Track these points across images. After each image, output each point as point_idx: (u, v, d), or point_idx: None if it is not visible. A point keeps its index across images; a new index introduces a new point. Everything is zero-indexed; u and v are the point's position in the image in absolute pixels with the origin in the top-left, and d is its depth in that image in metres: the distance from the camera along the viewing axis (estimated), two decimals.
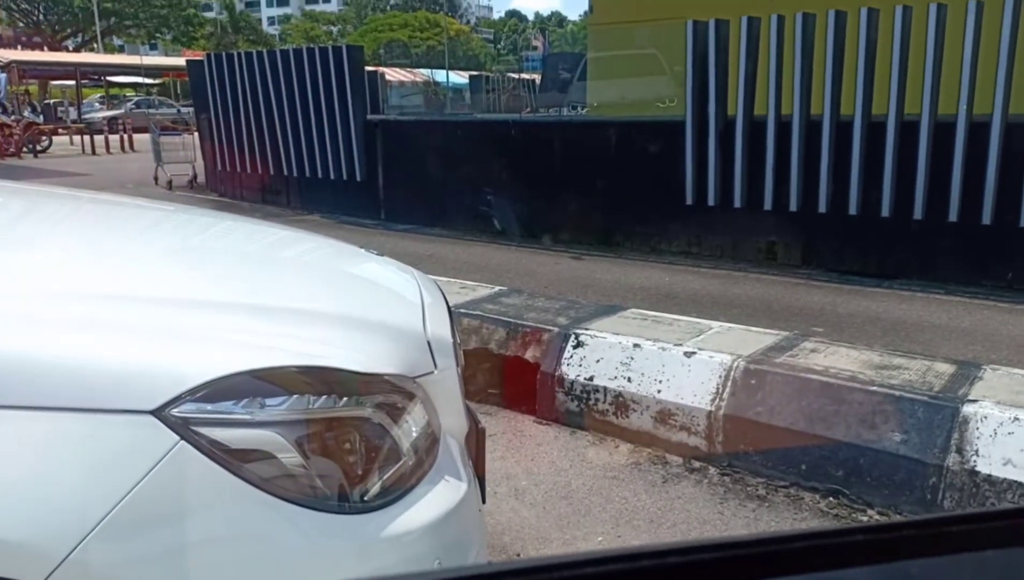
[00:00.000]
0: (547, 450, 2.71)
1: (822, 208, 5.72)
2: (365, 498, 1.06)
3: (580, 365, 2.85)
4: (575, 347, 2.89)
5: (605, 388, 2.77)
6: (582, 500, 2.36)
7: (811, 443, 2.51)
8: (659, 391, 2.66)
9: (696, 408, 2.58)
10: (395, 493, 1.11)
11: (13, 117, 17.92)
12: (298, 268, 1.59)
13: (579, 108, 12.21)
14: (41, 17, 46.11)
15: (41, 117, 19.53)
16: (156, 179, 11.14)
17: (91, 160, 16.05)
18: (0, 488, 0.84)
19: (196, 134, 11.01)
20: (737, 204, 6.14)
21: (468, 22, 78.30)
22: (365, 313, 1.34)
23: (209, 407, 0.95)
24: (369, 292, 1.54)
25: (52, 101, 28.41)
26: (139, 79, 31.47)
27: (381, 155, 8.65)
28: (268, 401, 1.01)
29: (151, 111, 22.31)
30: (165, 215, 1.94)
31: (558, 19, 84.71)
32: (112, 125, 19.29)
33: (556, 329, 2.99)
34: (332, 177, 8.88)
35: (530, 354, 2.99)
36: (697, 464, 2.57)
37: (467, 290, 3.66)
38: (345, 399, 1.08)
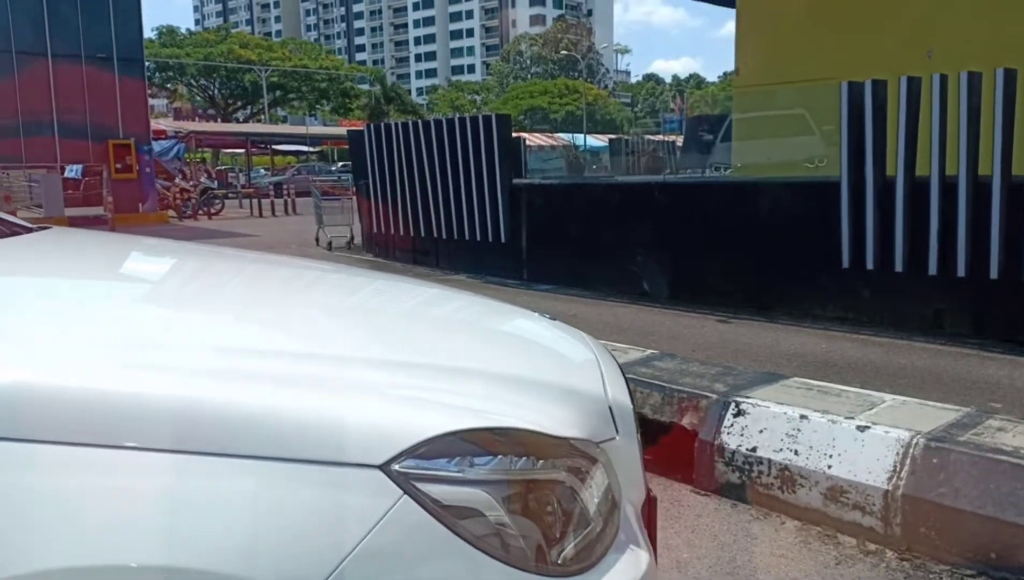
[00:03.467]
0: (708, 522, 2.63)
1: (993, 274, 5.34)
2: (561, 562, 1.08)
3: (742, 435, 2.77)
4: (735, 415, 2.82)
5: (769, 460, 2.68)
6: (749, 578, 2.27)
7: (1001, 529, 2.32)
8: (829, 467, 2.54)
9: (871, 486, 2.44)
10: (589, 559, 1.12)
11: (191, 183, 19.75)
12: (480, 332, 1.66)
13: (722, 169, 12.09)
14: (216, 92, 50.96)
15: (215, 182, 21.42)
16: (317, 240, 11.90)
17: (259, 222, 17.38)
18: (242, 534, 0.93)
19: (354, 198, 11.70)
20: (898, 268, 5.84)
21: (606, 87, 79.64)
22: (549, 377, 1.38)
23: (426, 464, 1.01)
24: (550, 356, 1.59)
25: (223, 167, 31.16)
26: (301, 147, 34.04)
27: (525, 217, 8.88)
28: (476, 460, 1.06)
29: (311, 177, 23.94)
30: (346, 278, 2.08)
31: (696, 81, 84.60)
32: (277, 189, 20.86)
33: (715, 396, 2.93)
34: (478, 238, 9.18)
35: (687, 421, 2.94)
36: (872, 546, 2.42)
37: (618, 353, 3.66)
38: (542, 462, 1.12)
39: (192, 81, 50.60)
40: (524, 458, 1.09)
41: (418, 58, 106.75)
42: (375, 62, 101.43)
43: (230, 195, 21.57)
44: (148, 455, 0.92)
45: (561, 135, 40.08)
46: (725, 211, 7.16)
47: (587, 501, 1.14)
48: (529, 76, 73.37)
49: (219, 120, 41.62)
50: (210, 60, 47.59)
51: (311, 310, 1.61)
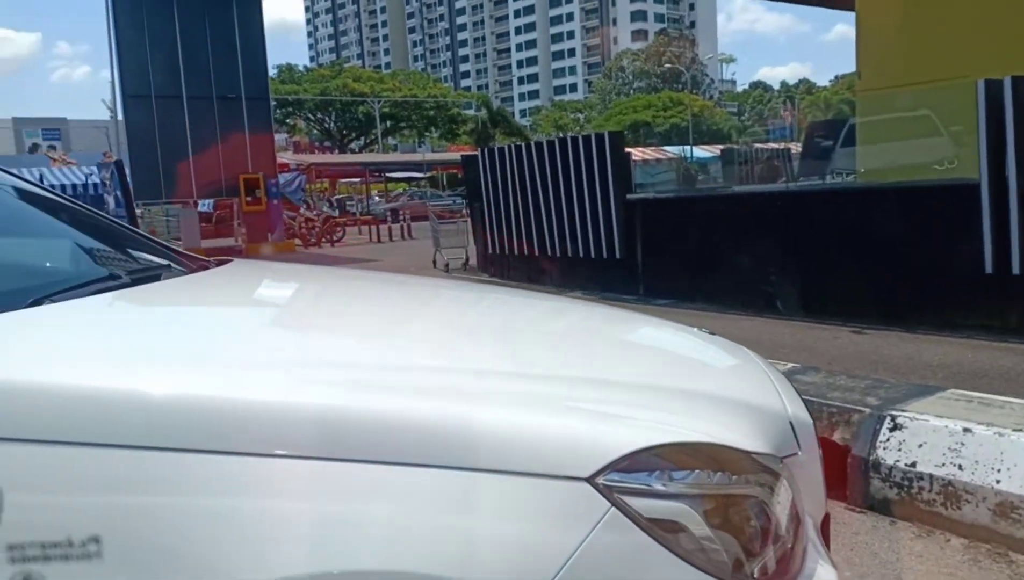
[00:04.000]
0: (866, 540, 2.55)
1: None
2: (759, 576, 1.10)
3: (899, 450, 2.67)
4: (891, 430, 2.73)
5: (931, 476, 2.57)
6: None
7: None
8: (998, 482, 2.42)
9: None
10: (787, 573, 1.13)
11: (315, 212, 20.72)
12: (650, 348, 1.70)
13: (844, 175, 11.66)
14: (331, 125, 53.30)
15: (336, 211, 22.36)
16: (435, 262, 12.25)
17: (378, 247, 18.04)
18: (461, 542, 0.98)
19: (468, 221, 11.98)
20: None
21: (711, 97, 78.19)
22: (729, 392, 1.39)
23: (629, 478, 1.04)
24: (724, 371, 1.60)
25: (341, 196, 32.46)
26: (413, 173, 35.11)
27: (640, 232, 8.84)
28: (675, 474, 1.09)
29: (425, 201, 24.64)
30: (499, 297, 2.15)
31: (807, 86, 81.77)
32: (394, 215, 21.59)
33: (867, 410, 2.84)
34: (592, 256, 9.20)
35: (838, 436, 2.86)
36: None
37: None
38: (735, 477, 1.14)
39: (310, 115, 53.16)
40: (719, 472, 1.12)
41: (521, 80, 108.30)
42: (479, 87, 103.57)
43: (349, 223, 22.45)
44: (374, 468, 0.99)
45: (667, 148, 39.57)
46: (851, 218, 6.91)
47: (778, 515, 1.15)
48: (632, 91, 72.95)
49: (336, 151, 43.50)
50: (326, 95, 49.90)
51: (485, 330, 1.69)
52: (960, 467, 2.52)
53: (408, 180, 36.91)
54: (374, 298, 1.87)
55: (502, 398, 1.15)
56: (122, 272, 1.61)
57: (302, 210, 20.79)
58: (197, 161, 16.88)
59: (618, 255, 8.90)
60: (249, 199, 16.99)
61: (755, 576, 1.09)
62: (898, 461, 2.66)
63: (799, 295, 7.16)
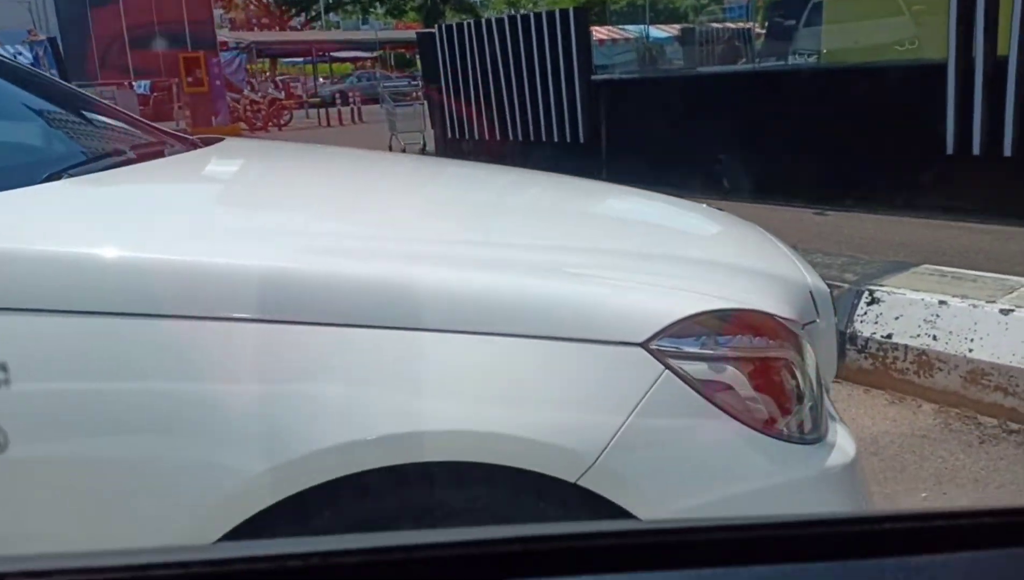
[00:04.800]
0: (843, 406, 2.69)
1: None
2: (800, 431, 1.16)
3: (876, 322, 2.79)
4: (869, 304, 2.83)
5: (906, 346, 2.70)
6: (894, 457, 2.34)
7: None
8: (970, 350, 2.55)
9: (1015, 368, 2.45)
10: (820, 429, 1.20)
11: (259, 95, 19.89)
12: (677, 224, 1.71)
13: (806, 56, 11.55)
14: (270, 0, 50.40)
15: (282, 93, 21.51)
16: (390, 147, 11.96)
17: (328, 132, 17.50)
18: (534, 403, 1.02)
19: (425, 103, 11.65)
20: (1007, 152, 5.61)
21: None
22: (756, 263, 1.43)
23: (679, 342, 1.08)
24: (746, 243, 1.63)
25: (284, 77, 31.14)
26: (359, 53, 33.70)
27: (604, 116, 8.73)
28: (720, 339, 1.13)
29: (375, 82, 23.79)
30: (487, 174, 2.11)
31: None
32: (343, 98, 20.86)
33: (846, 285, 2.94)
34: (556, 140, 9.09)
35: None
36: (1015, 426, 2.45)
37: None
38: (771, 341, 1.18)
39: None
40: (758, 337, 1.16)
41: None
42: None
43: (294, 106, 21.66)
44: (458, 337, 1.02)
45: (626, 28, 38.52)
46: (816, 99, 6.92)
47: (807, 377, 1.21)
48: None
49: (276, 29, 41.39)
50: None
51: (495, 206, 1.68)
52: (934, 338, 2.64)
53: (354, 60, 35.49)
54: (382, 175, 1.83)
55: (545, 269, 1.16)
56: (127, 149, 1.54)
57: (246, 92, 19.94)
58: (132, 39, 15.93)
59: (581, 139, 8.81)
60: (190, 80, 16.18)
61: (790, 431, 1.15)
62: (874, 333, 2.78)
63: (763, 177, 7.22)
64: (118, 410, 0.94)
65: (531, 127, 9.32)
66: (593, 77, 8.71)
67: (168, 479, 0.96)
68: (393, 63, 36.78)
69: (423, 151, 11.70)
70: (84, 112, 1.72)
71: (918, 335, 2.68)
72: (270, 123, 18.40)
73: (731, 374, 1.11)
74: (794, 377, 1.20)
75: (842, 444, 1.22)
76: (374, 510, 1.02)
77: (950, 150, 5.86)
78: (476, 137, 10.26)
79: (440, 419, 0.99)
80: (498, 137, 9.87)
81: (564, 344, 1.03)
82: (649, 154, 8.32)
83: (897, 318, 2.75)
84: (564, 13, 8.72)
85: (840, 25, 9.64)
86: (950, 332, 2.61)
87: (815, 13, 11.81)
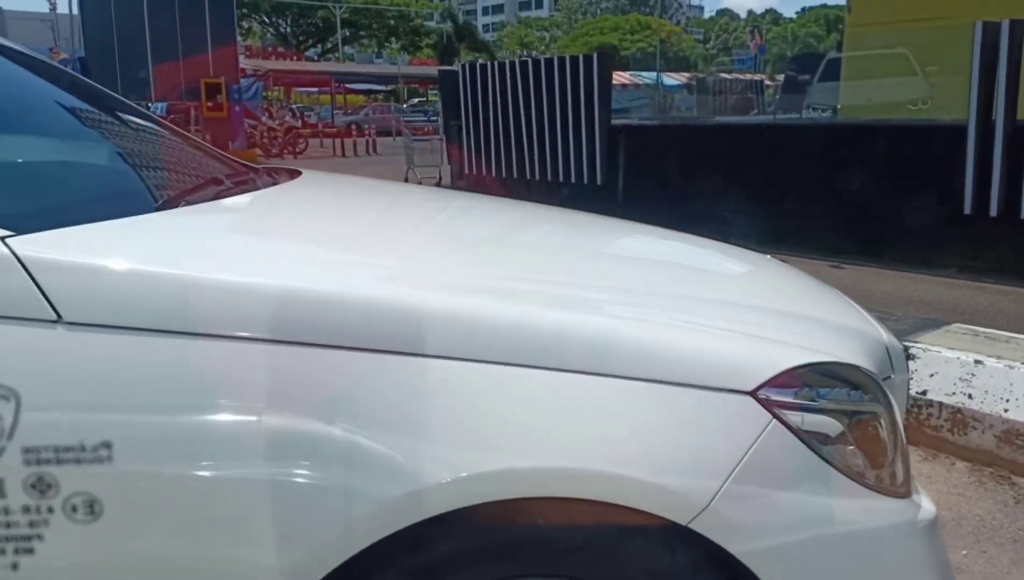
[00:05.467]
0: None
1: None
2: (892, 484, 1.20)
3: (911, 379, 2.83)
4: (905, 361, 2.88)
5: (941, 403, 2.74)
6: None
7: None
8: (1006, 410, 2.59)
9: None
10: (910, 483, 1.24)
11: (277, 122, 20.13)
12: (752, 274, 1.76)
13: (820, 110, 11.77)
14: (287, 30, 51.16)
15: (299, 121, 21.75)
16: (406, 180, 12.09)
17: (344, 162, 17.67)
18: (649, 446, 1.06)
19: (443, 139, 11.80)
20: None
21: (678, 23, 77.15)
22: (835, 317, 1.47)
23: (783, 393, 1.12)
24: (825, 296, 1.67)
25: (299, 106, 31.51)
26: (372, 85, 34.17)
27: (622, 159, 8.86)
28: (820, 391, 1.17)
29: (395, 116, 24.08)
30: (574, 219, 2.16)
31: (773, 17, 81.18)
32: (358, 129, 21.08)
33: None
34: (573, 181, 9.20)
35: None
36: None
37: None
38: (865, 394, 1.22)
39: (265, 18, 50.90)
40: (853, 390, 1.20)
41: None
42: None
43: (310, 134, 21.87)
44: (582, 377, 1.06)
45: (635, 74, 39.11)
46: (836, 152, 7.04)
47: (898, 431, 1.25)
48: (599, 12, 71.51)
49: (294, 59, 41.99)
50: None
51: (617, 254, 1.77)
52: (970, 396, 2.69)
53: (367, 92, 35.96)
54: (474, 215, 1.90)
55: (655, 315, 1.21)
56: (223, 178, 1.61)
57: (264, 119, 20.17)
58: (156, 62, 16.14)
59: (599, 181, 8.92)
60: (210, 104, 16.36)
61: (884, 484, 1.19)
62: (909, 390, 2.82)
63: (779, 228, 7.31)
64: (270, 436, 0.98)
65: (549, 167, 9.44)
66: (613, 122, 8.85)
67: (304, 504, 1.00)
68: (406, 97, 37.27)
69: (439, 185, 11.82)
70: (166, 139, 1.78)
71: (953, 393, 2.72)
72: (285, 150, 18.58)
73: (831, 426, 1.14)
74: (885, 431, 1.23)
75: (924, 500, 1.26)
76: (491, 541, 1.06)
77: (968, 210, 5.95)
78: (494, 174, 10.38)
79: (560, 456, 1.03)
80: (515, 175, 9.99)
81: (677, 389, 1.07)
82: (666, 199, 8.42)
83: (932, 375, 2.79)
84: (588, 59, 8.89)
85: (858, 82, 9.82)
86: (986, 391, 2.66)
87: (830, 69, 12.05)
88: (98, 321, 0.99)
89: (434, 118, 17.02)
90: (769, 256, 1.95)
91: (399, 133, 19.88)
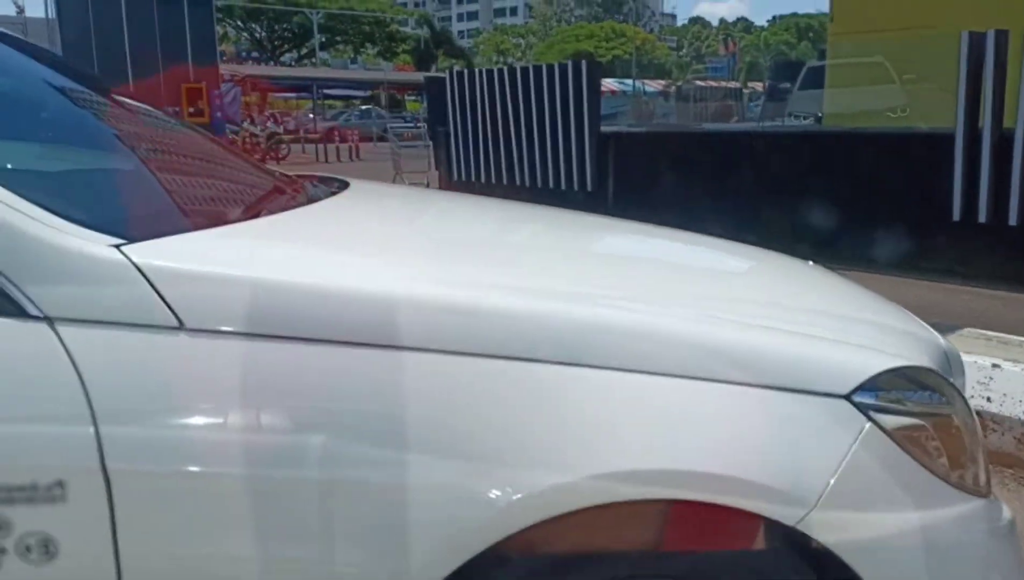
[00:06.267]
0: None
1: None
2: (975, 485, 1.23)
3: None
4: None
5: None
6: None
7: None
8: None
9: None
10: (991, 483, 1.28)
11: (259, 128, 19.98)
12: (814, 283, 1.80)
13: (801, 117, 11.95)
14: (263, 35, 50.84)
15: (281, 128, 21.61)
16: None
17: (328, 168, 17.56)
18: (757, 449, 1.09)
19: (431, 145, 11.81)
20: (1012, 221, 5.84)
21: (652, 30, 77.85)
22: (900, 323, 1.52)
23: (873, 396, 1.16)
24: (884, 304, 1.71)
25: (277, 112, 31.27)
26: (350, 91, 34.06)
27: (612, 166, 8.93)
28: (906, 394, 1.21)
29: (367, 121, 24.03)
30: (641, 229, 2.19)
31: (744, 25, 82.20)
32: (341, 135, 20.99)
33: None
34: (563, 187, 9.25)
35: None
36: None
37: None
38: (942, 396, 1.26)
39: (239, 23, 50.54)
40: (935, 393, 1.24)
41: (459, 0, 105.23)
42: (417, 4, 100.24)
43: (292, 140, 21.75)
44: (692, 382, 1.09)
45: (609, 81, 39.32)
46: (823, 159, 7.16)
47: (976, 432, 1.29)
48: (573, 19, 71.95)
49: (271, 64, 41.74)
50: (259, 1, 47.43)
51: (692, 265, 1.82)
52: (988, 399, 2.75)
53: (345, 99, 35.83)
54: (544, 227, 1.93)
55: (749, 321, 1.24)
56: (287, 189, 1.62)
57: (246, 125, 20.02)
58: (136, 69, 15.97)
59: (589, 188, 8.98)
60: (191, 111, 16.24)
61: (969, 485, 1.23)
62: None
63: (769, 233, 7.40)
64: (412, 438, 1.00)
65: (539, 173, 9.49)
66: (603, 130, 8.92)
67: (429, 503, 1.01)
68: (384, 103, 37.20)
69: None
70: (220, 152, 1.79)
71: (972, 396, 2.78)
72: (268, 156, 18.45)
73: (919, 427, 1.18)
74: (965, 432, 1.27)
75: (1004, 502, 1.30)
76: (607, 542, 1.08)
77: (956, 216, 6.07)
78: (483, 180, 10.40)
79: (681, 460, 1.05)
80: (505, 181, 10.02)
81: (779, 394, 1.11)
82: (654, 204, 8.47)
83: None
84: (577, 66, 8.95)
85: (840, 90, 9.99)
86: (1004, 394, 2.72)
87: (809, 77, 12.25)
88: (220, 327, 1.00)
89: (411, 124, 17.01)
90: (811, 262, 1.99)
91: (381, 139, 19.86)
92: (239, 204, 1.40)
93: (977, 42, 5.95)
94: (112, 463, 0.95)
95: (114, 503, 0.95)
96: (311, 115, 33.78)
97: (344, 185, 1.89)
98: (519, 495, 1.01)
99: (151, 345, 0.99)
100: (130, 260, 1.00)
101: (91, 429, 0.94)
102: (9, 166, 1.19)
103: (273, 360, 1.00)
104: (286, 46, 51.41)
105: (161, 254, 1.03)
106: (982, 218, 5.97)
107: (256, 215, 1.33)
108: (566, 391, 1.05)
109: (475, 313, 1.05)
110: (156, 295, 0.99)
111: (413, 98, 38.47)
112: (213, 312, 1.00)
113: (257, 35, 51.30)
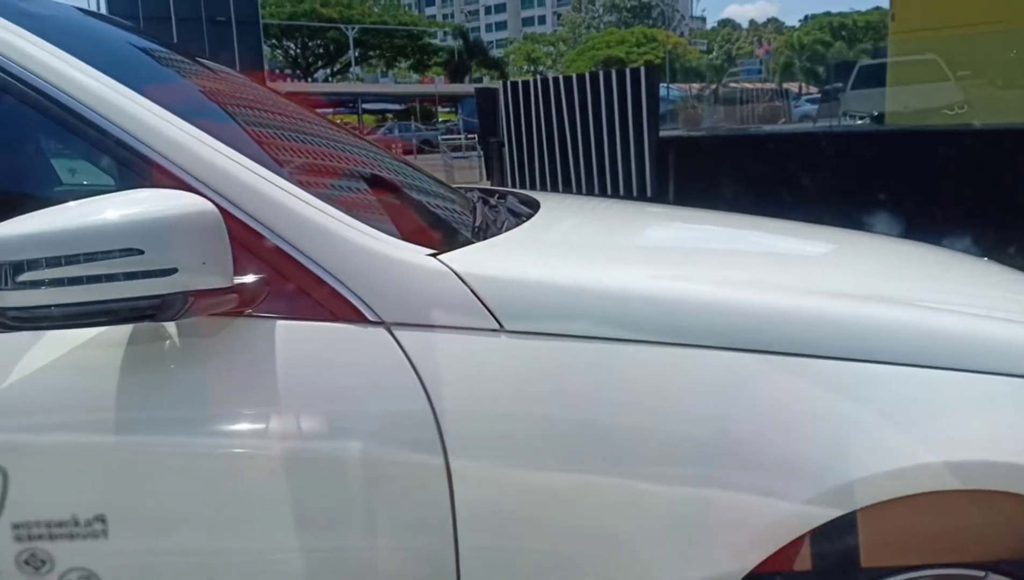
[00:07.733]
0: None
1: None
2: None
3: None
4: None
5: None
6: None
7: None
8: None
9: None
10: None
11: None
12: (969, 271, 1.81)
13: (857, 118, 11.84)
14: (297, 52, 51.61)
15: None
16: None
17: None
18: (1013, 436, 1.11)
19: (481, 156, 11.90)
20: None
21: (682, 34, 77.59)
22: None
23: None
24: None
25: None
26: (388, 105, 34.46)
27: (672, 170, 8.92)
28: None
29: (406, 134, 24.29)
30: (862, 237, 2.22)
31: (776, 26, 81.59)
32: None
33: None
34: (622, 193, 9.26)
35: None
36: None
37: None
38: None
39: (274, 41, 51.36)
40: None
41: (488, 11, 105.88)
42: (444, 16, 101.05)
43: None
44: (962, 375, 1.09)
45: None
46: (891, 158, 7.08)
47: None
48: (603, 25, 71.97)
49: (306, 80, 42.34)
50: (295, 20, 48.19)
51: (887, 258, 1.84)
52: None
53: (382, 112, 36.25)
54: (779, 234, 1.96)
55: (968, 310, 1.25)
56: (502, 208, 1.67)
57: None
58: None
59: (649, 193, 8.98)
60: None
61: None
62: None
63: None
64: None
65: (596, 181, 9.51)
66: (662, 134, 8.92)
67: (719, 508, 1.04)
68: (419, 115, 37.58)
69: None
70: (422, 174, 1.85)
71: None
72: None
73: None
74: None
75: None
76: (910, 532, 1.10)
77: None
78: (538, 188, 10.46)
79: (978, 450, 1.07)
80: (561, 189, 10.06)
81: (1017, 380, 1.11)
82: (715, 207, 8.46)
83: None
84: (635, 72, 8.97)
85: (903, 88, 9.89)
86: None
87: (863, 76, 12.14)
88: (538, 330, 1.05)
89: (447, 136, 17.11)
90: (985, 258, 1.99)
91: (420, 150, 20.06)
92: (484, 218, 1.45)
93: None
94: (455, 461, 0.99)
95: (455, 501, 1.00)
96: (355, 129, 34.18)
97: (532, 199, 1.95)
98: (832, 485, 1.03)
99: (477, 347, 1.03)
100: (451, 269, 1.05)
101: (435, 430, 0.99)
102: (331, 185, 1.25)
103: (591, 361, 1.04)
104: (319, 62, 52.12)
105: (469, 263, 1.08)
106: None
107: (503, 229, 1.38)
108: (882, 390, 1.07)
109: (796, 315, 1.09)
110: (477, 300, 1.04)
111: (447, 110, 38.84)
112: (528, 315, 1.05)
113: (292, 52, 52.09)
